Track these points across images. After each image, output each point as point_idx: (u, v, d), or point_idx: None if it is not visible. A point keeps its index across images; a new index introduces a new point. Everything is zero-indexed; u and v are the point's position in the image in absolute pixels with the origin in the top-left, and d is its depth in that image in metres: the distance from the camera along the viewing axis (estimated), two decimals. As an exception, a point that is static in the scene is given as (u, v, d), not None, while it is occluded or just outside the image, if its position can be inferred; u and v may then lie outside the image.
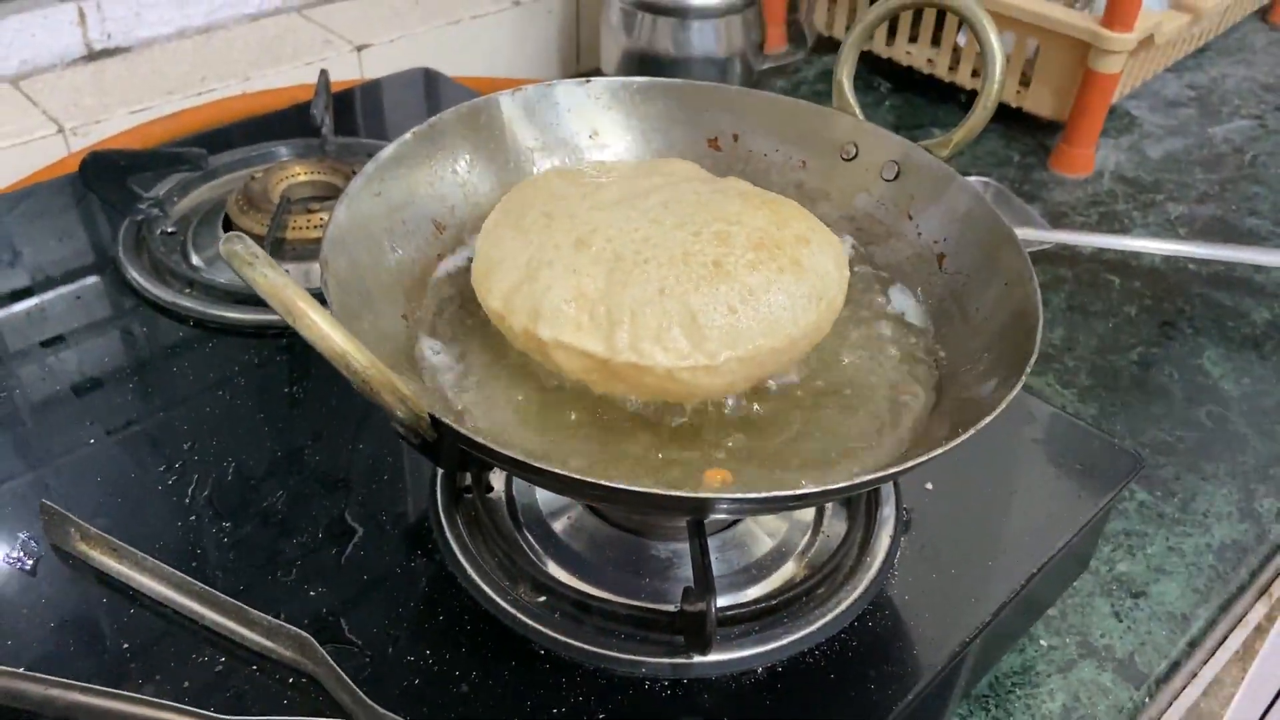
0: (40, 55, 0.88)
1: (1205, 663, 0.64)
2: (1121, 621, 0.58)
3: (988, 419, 0.39)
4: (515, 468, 0.39)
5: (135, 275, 0.66)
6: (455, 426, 0.37)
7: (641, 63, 0.95)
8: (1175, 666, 0.56)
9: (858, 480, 0.38)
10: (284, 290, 0.33)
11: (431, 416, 0.37)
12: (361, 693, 0.42)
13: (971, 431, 0.38)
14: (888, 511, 0.53)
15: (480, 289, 0.48)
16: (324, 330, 0.33)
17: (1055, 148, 0.97)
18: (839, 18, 1.10)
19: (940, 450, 0.38)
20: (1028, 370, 0.41)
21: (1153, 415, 0.71)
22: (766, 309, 0.45)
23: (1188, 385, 0.73)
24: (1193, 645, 0.58)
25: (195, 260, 0.69)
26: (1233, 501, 0.65)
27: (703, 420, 0.47)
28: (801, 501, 0.39)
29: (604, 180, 0.51)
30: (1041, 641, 0.56)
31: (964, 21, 0.51)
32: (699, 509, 0.40)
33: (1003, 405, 0.39)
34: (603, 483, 0.36)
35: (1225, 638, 0.65)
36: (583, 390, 0.47)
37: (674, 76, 0.95)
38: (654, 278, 0.45)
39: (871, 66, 1.09)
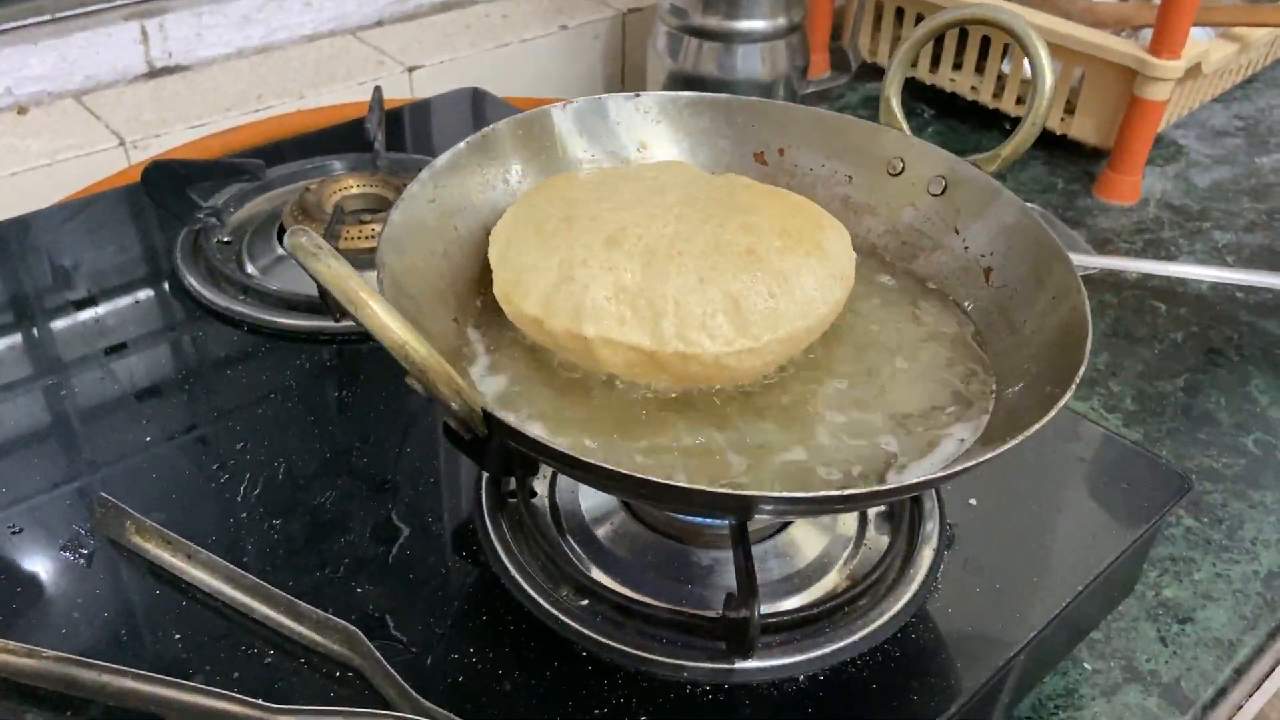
0: (103, 72, 0.91)
1: (1251, 694, 0.63)
2: (1167, 646, 0.57)
3: (1036, 426, 0.39)
4: (562, 462, 0.39)
5: (193, 282, 0.68)
6: (507, 421, 0.37)
7: (686, 86, 0.96)
8: (1222, 693, 0.56)
9: (903, 483, 0.38)
10: (347, 281, 0.34)
11: (485, 411, 0.38)
12: (408, 687, 0.43)
13: (1020, 439, 0.38)
14: (931, 526, 0.53)
15: (511, 297, 0.48)
16: (384, 320, 0.34)
17: (1100, 175, 0.97)
18: (882, 44, 1.11)
19: (987, 456, 0.39)
20: (1077, 379, 0.41)
21: (1199, 441, 0.70)
22: (800, 291, 0.47)
23: (1235, 412, 0.73)
24: (1239, 672, 0.57)
25: (250, 268, 0.70)
26: (1281, 529, 0.64)
27: (730, 405, 0.48)
28: (846, 504, 0.39)
29: (611, 183, 0.52)
30: (1085, 665, 0.56)
31: (1012, 37, 0.51)
32: (744, 508, 0.41)
33: (1053, 412, 0.39)
34: (651, 479, 0.36)
35: (1273, 670, 0.64)
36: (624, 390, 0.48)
37: (719, 98, 0.97)
38: (691, 268, 0.46)
39: (915, 93, 1.09)
